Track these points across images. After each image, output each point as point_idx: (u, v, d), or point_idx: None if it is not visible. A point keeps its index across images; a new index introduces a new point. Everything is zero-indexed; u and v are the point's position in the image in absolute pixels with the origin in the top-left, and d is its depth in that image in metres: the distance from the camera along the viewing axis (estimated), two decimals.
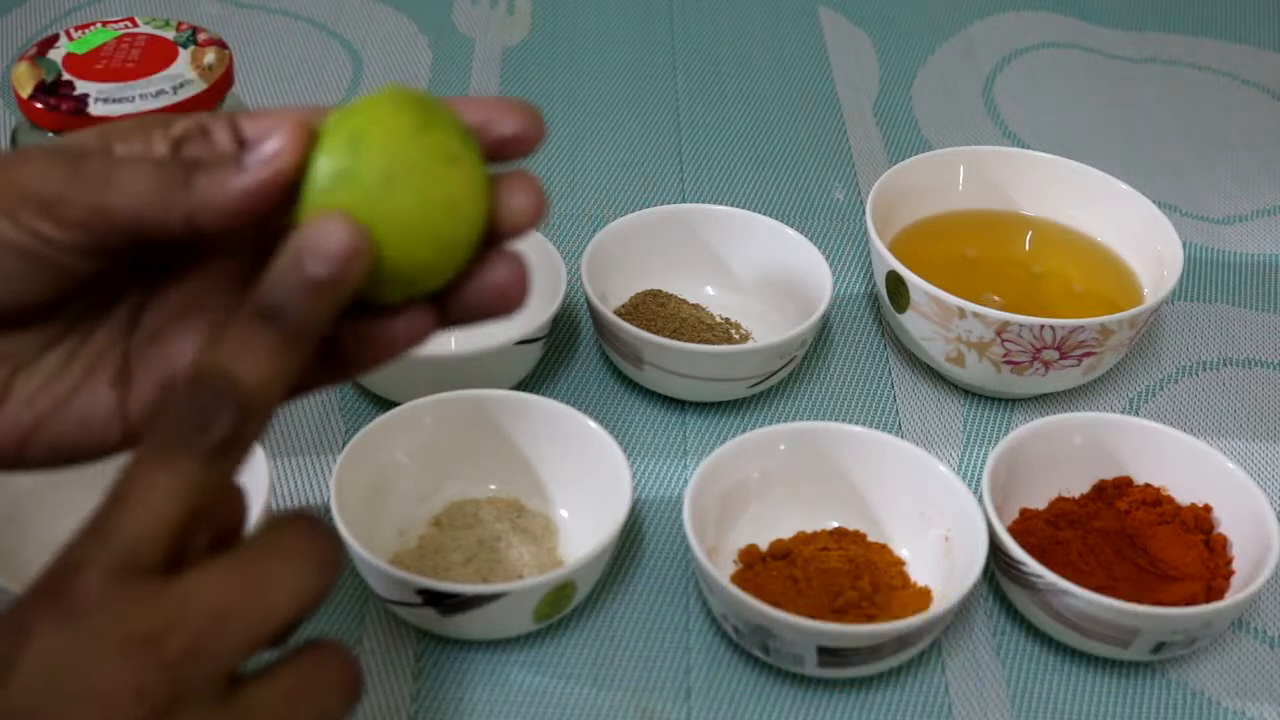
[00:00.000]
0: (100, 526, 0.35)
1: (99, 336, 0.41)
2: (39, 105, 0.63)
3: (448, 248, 0.38)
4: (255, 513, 0.57)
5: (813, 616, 0.57)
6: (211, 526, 0.37)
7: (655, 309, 0.73)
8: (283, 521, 0.37)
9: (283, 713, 0.35)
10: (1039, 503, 0.64)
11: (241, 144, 0.39)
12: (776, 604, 0.56)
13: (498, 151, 0.39)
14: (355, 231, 0.36)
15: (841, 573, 0.60)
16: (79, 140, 0.40)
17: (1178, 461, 0.64)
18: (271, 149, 0.37)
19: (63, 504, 0.59)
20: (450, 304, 0.39)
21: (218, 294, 0.42)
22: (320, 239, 0.35)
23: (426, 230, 0.37)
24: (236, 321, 0.36)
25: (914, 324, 0.71)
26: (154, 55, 0.66)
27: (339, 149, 0.37)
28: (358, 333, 0.40)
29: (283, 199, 0.37)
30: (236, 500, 0.38)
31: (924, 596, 0.60)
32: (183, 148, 0.39)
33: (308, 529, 0.37)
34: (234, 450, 0.35)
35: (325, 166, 0.37)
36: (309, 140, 0.37)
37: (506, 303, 0.40)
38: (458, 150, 0.37)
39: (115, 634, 0.33)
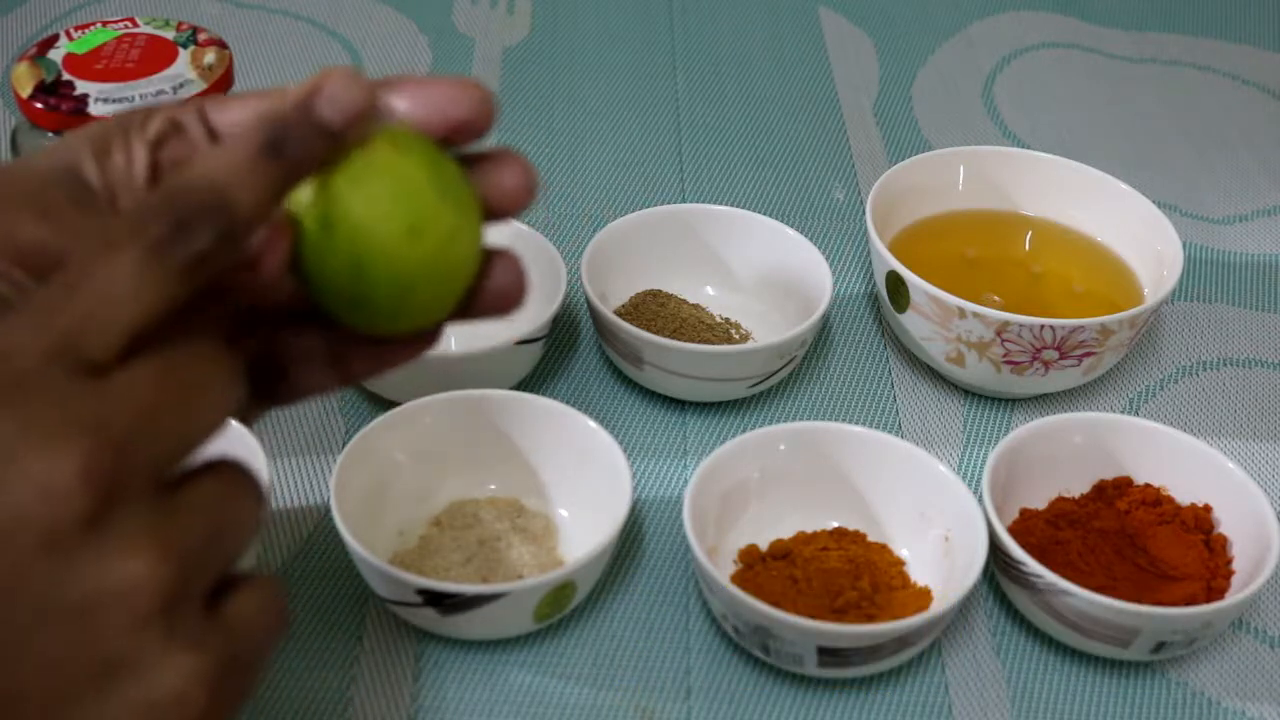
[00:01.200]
0: (47, 310, 0.33)
1: None
2: (39, 105, 0.63)
3: (449, 296, 0.39)
4: None
5: (813, 616, 0.57)
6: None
7: (655, 309, 0.73)
8: (195, 339, 0.35)
9: (212, 510, 0.35)
10: (1039, 503, 0.64)
11: (213, 135, 0.39)
12: (776, 604, 0.56)
13: (449, 139, 0.39)
14: (368, 92, 0.36)
15: (841, 573, 0.60)
16: (66, 158, 0.39)
17: (1178, 461, 0.64)
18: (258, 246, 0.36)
19: None
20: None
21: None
22: (338, 90, 0.35)
23: (437, 284, 0.38)
24: (235, 146, 0.35)
25: (914, 324, 0.71)
26: (154, 55, 0.66)
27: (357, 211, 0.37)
28: (360, 346, 0.40)
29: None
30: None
31: (924, 596, 0.60)
32: (162, 149, 0.39)
33: (215, 344, 0.36)
34: (204, 269, 0.34)
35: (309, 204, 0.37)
36: (288, 237, 0.37)
37: (506, 305, 0.40)
38: (467, 202, 0.38)
39: (55, 418, 0.31)
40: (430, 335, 0.41)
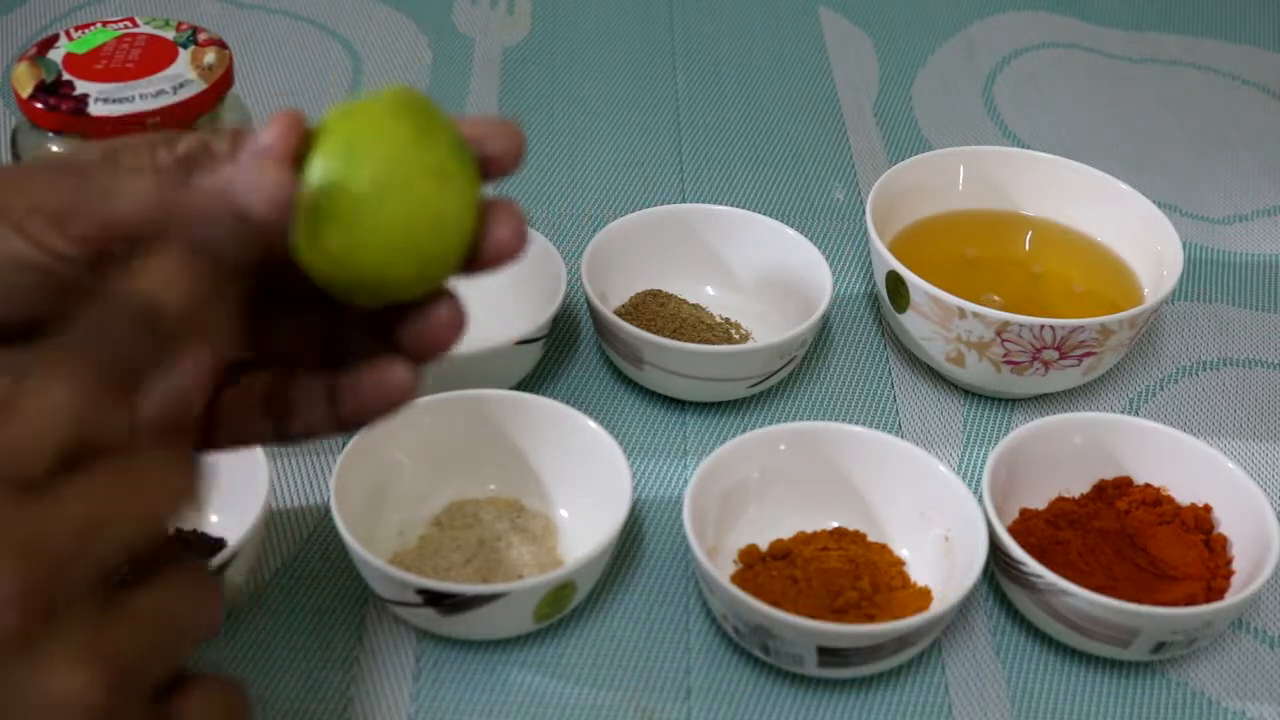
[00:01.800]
0: None
1: None
2: (39, 105, 0.63)
3: (431, 264, 0.38)
4: (256, 513, 0.57)
5: (813, 616, 0.57)
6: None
7: (655, 309, 0.73)
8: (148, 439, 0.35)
9: (160, 615, 0.34)
10: (1039, 503, 0.64)
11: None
12: (776, 604, 0.56)
13: (480, 169, 0.39)
14: (287, 175, 0.35)
15: (841, 573, 0.60)
16: (83, 154, 0.40)
17: (1178, 461, 0.64)
18: (263, 141, 0.37)
19: None
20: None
21: None
22: (253, 181, 0.35)
23: (410, 246, 0.37)
24: (158, 251, 0.35)
25: (914, 324, 0.71)
26: (154, 55, 0.66)
27: (332, 153, 0.37)
28: (351, 385, 0.40)
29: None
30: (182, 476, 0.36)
31: (924, 596, 0.60)
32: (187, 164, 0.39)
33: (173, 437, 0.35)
34: (145, 379, 0.34)
35: (317, 170, 0.36)
36: (301, 135, 0.37)
37: (507, 255, 0.39)
38: (453, 167, 0.37)
39: None
40: (416, 374, 0.40)
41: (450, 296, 0.39)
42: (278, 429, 0.42)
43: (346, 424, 0.41)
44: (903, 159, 0.79)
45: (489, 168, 0.39)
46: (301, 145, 0.37)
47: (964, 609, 0.62)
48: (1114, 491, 0.64)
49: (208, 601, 0.36)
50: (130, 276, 0.35)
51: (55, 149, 0.65)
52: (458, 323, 0.39)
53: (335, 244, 0.37)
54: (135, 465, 0.34)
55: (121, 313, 0.34)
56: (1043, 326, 0.67)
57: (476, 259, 0.39)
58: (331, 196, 0.36)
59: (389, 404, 0.40)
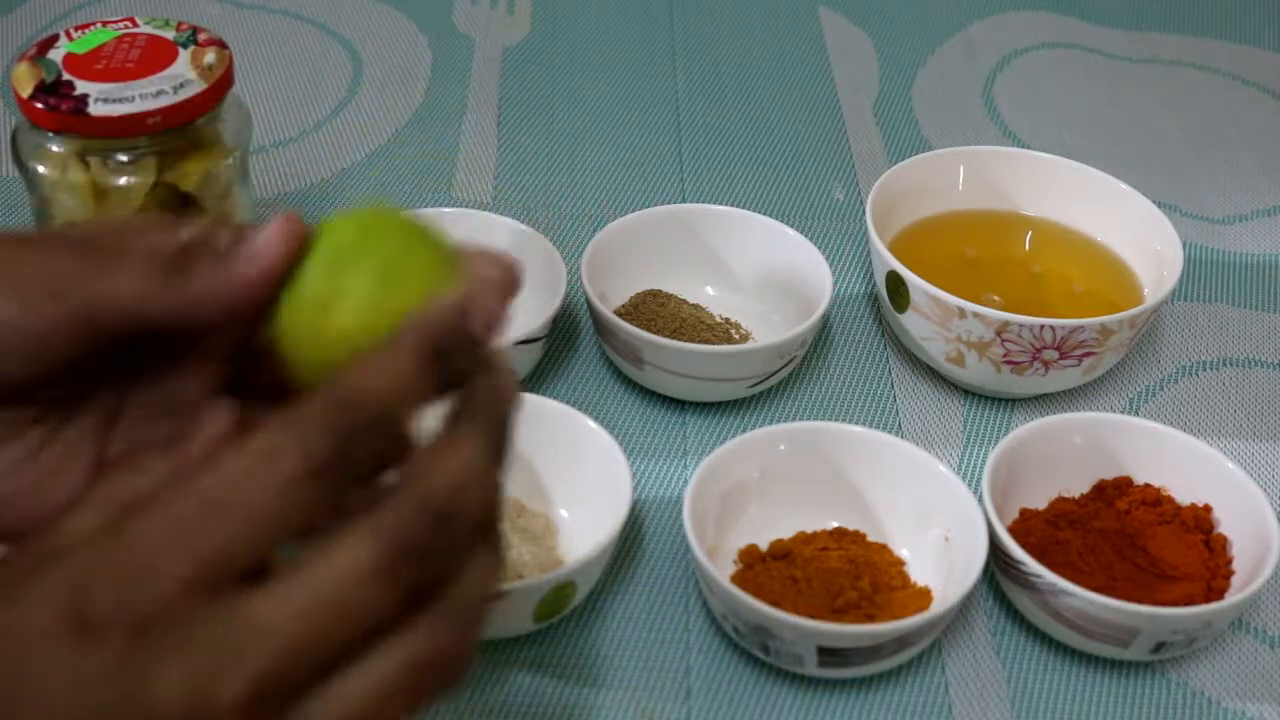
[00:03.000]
0: (187, 529, 0.32)
1: (74, 428, 0.41)
2: (39, 105, 0.63)
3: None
4: None
5: (813, 616, 0.57)
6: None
7: (655, 309, 0.73)
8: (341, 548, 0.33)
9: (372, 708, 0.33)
10: (1039, 503, 0.64)
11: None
12: (776, 604, 0.56)
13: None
14: (510, 298, 0.37)
15: (841, 573, 0.60)
16: (99, 232, 0.40)
17: (1178, 461, 0.64)
18: (262, 243, 0.38)
19: None
20: None
21: (189, 398, 0.42)
22: (490, 304, 0.37)
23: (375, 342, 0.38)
24: (400, 356, 0.35)
25: (914, 324, 0.71)
26: (154, 55, 0.66)
27: (319, 265, 0.39)
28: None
29: (274, 292, 0.39)
30: None
31: (924, 596, 0.60)
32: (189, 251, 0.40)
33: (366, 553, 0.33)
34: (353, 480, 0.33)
35: (306, 279, 0.38)
36: (299, 238, 0.39)
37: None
38: (432, 279, 0.38)
39: (179, 661, 0.31)
40: None
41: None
42: None
43: None
44: (903, 159, 0.79)
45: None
46: (299, 249, 0.39)
47: (964, 609, 0.62)
48: (1114, 491, 0.64)
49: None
50: (364, 371, 0.34)
51: (55, 148, 0.65)
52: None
53: (304, 349, 0.38)
54: (345, 588, 0.33)
55: (362, 414, 0.33)
56: (1043, 326, 0.67)
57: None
58: (311, 305, 0.38)
59: None
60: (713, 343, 0.71)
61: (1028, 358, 0.68)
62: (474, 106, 0.93)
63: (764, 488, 0.63)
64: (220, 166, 0.68)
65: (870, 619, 0.58)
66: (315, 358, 0.38)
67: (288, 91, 0.93)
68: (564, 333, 0.75)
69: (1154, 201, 0.77)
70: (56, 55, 0.66)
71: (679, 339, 0.70)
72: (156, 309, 0.38)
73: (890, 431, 0.68)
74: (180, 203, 0.67)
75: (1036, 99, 0.98)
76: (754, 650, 0.58)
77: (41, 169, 0.66)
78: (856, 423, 0.67)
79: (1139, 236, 0.76)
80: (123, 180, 0.65)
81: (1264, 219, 0.88)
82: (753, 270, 0.76)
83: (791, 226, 0.75)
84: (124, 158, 0.65)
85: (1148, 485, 0.65)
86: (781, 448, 0.63)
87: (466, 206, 0.82)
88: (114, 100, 0.63)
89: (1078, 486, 0.65)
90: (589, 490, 0.62)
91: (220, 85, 0.66)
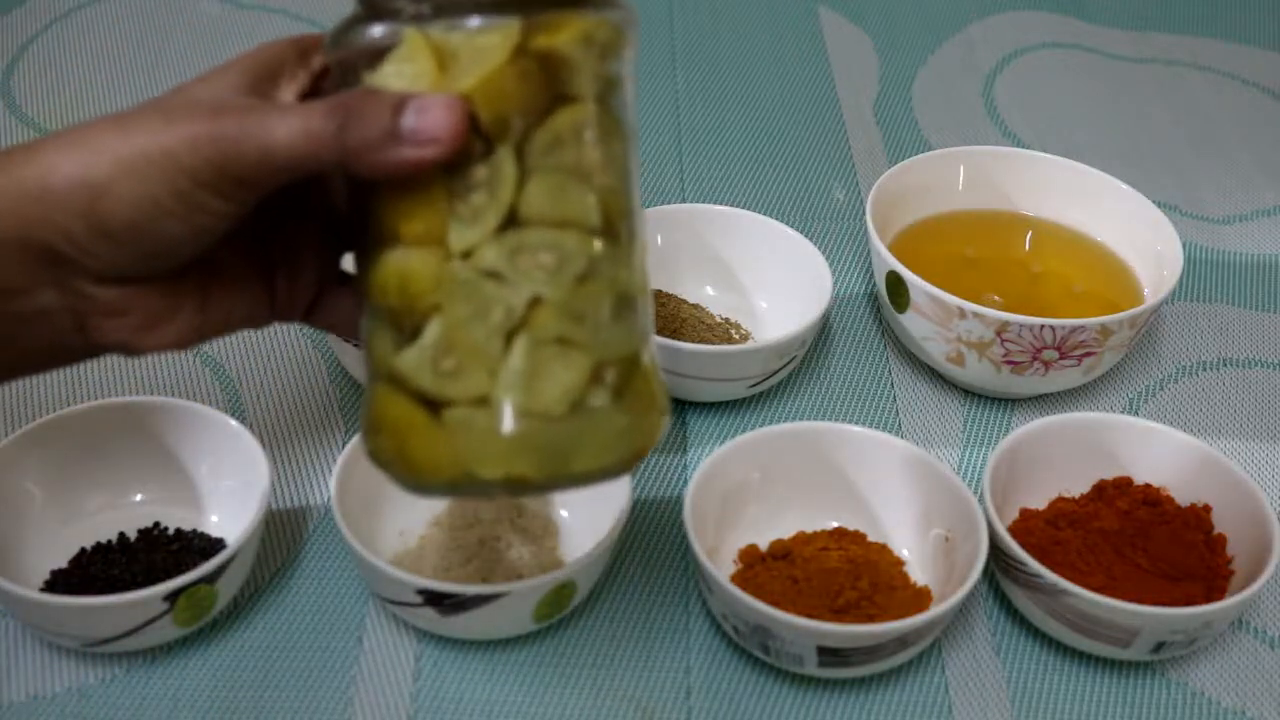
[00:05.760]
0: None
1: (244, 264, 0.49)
2: None
3: None
4: (256, 513, 0.57)
5: (813, 616, 0.57)
6: None
7: (655, 309, 0.73)
8: None
9: None
10: (1039, 503, 0.64)
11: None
12: (776, 604, 0.56)
13: None
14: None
15: (841, 573, 0.60)
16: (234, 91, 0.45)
17: (1178, 461, 0.64)
18: (433, 127, 0.42)
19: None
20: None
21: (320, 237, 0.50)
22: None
23: None
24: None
25: (914, 324, 0.71)
26: None
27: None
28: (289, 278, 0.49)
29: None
30: None
31: (924, 596, 0.60)
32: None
33: None
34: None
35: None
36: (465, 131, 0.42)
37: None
38: None
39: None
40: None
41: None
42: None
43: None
44: (903, 159, 0.79)
45: None
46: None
47: (964, 609, 0.62)
48: (1114, 491, 0.64)
49: None
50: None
51: None
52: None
53: None
54: None
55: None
56: (1043, 326, 0.67)
57: None
58: None
59: None
60: (713, 343, 0.71)
61: (1028, 358, 0.68)
62: None
63: (764, 488, 0.63)
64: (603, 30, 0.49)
65: (870, 619, 0.58)
66: None
67: None
68: None
69: (1154, 201, 0.77)
70: None
71: (679, 339, 0.70)
72: (328, 154, 0.42)
73: (890, 431, 0.68)
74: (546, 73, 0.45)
75: (1036, 99, 0.98)
76: (754, 650, 0.58)
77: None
78: (856, 423, 0.67)
79: (1139, 236, 0.76)
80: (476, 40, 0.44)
81: (1264, 219, 0.88)
82: (753, 270, 0.76)
83: (791, 226, 0.75)
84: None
85: (1148, 485, 0.65)
86: (781, 448, 0.63)
87: None
88: None
89: (1078, 486, 0.65)
90: (589, 490, 0.62)
91: None
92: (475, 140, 0.42)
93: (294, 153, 0.42)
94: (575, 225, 0.44)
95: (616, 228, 0.45)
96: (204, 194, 0.43)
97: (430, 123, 0.41)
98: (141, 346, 0.46)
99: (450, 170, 0.43)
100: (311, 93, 0.46)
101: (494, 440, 0.43)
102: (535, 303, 0.43)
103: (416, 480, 0.45)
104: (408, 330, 0.44)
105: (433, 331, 0.43)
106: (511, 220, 0.43)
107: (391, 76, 0.43)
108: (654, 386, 0.47)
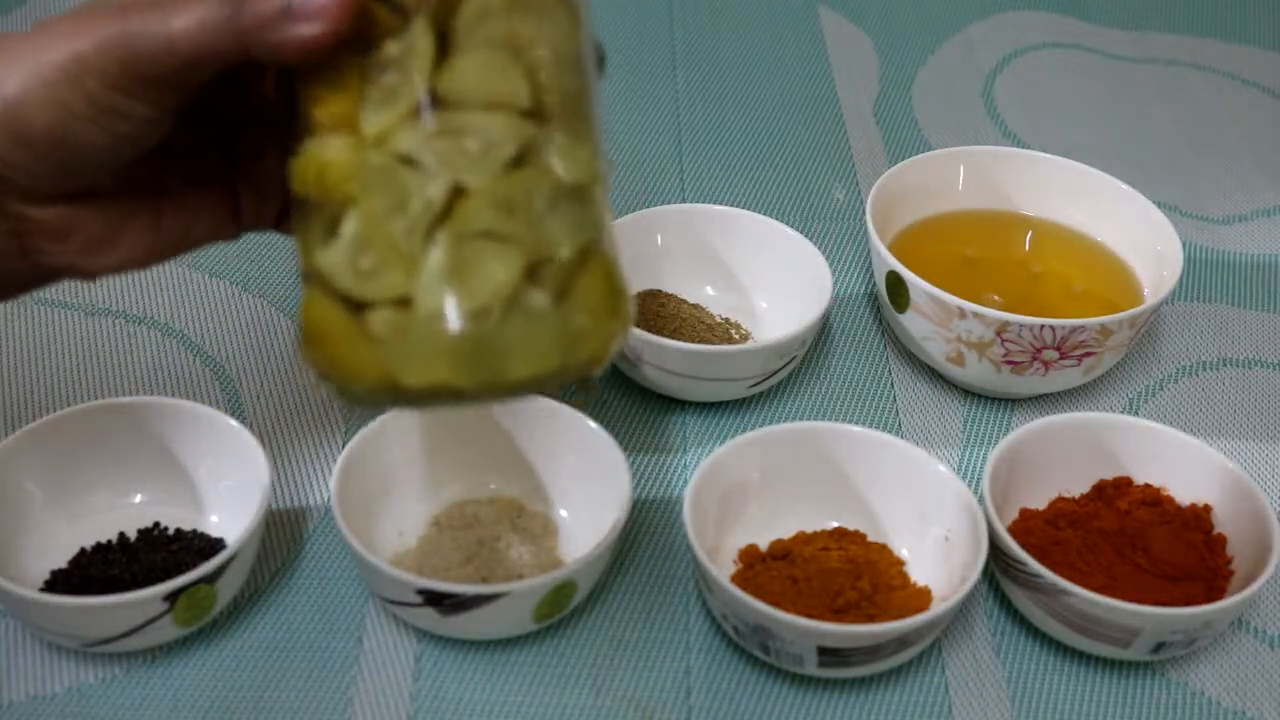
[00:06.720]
0: None
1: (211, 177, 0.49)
2: None
3: None
4: (256, 513, 0.57)
5: (813, 616, 0.57)
6: None
7: (655, 309, 0.73)
8: None
9: None
10: (1039, 503, 0.64)
11: None
12: (776, 604, 0.56)
13: None
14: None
15: (841, 573, 0.60)
16: None
17: (1178, 461, 0.64)
18: (319, 2, 0.40)
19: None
20: None
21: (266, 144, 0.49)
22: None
23: None
24: None
25: (914, 324, 0.71)
26: None
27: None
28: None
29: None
30: None
31: (924, 596, 0.60)
32: None
33: None
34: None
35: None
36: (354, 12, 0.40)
37: None
38: None
39: None
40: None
41: None
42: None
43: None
44: (903, 159, 0.79)
45: None
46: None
47: (964, 609, 0.62)
48: (1114, 491, 0.64)
49: None
50: None
51: None
52: None
53: None
54: None
55: None
56: (1043, 326, 0.67)
57: None
58: None
59: None
60: (713, 343, 0.71)
61: (1028, 358, 0.68)
62: None
63: (764, 488, 0.63)
64: None
65: (870, 619, 0.58)
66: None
67: None
68: None
69: (1154, 201, 0.77)
70: None
71: (679, 339, 0.70)
72: (226, 41, 0.41)
73: (890, 431, 0.68)
74: None
75: (1036, 99, 0.98)
76: (754, 650, 0.58)
77: None
78: (856, 423, 0.67)
79: (1139, 236, 0.76)
80: None
81: (1264, 219, 0.88)
82: (753, 270, 0.76)
83: (791, 226, 0.75)
84: None
85: (1148, 485, 0.65)
86: (781, 448, 0.63)
87: None
88: None
89: (1078, 486, 0.65)
90: (589, 490, 0.62)
91: None
92: (387, 13, 0.39)
93: (193, 44, 0.41)
94: (504, 106, 0.40)
95: (556, 108, 0.41)
96: (116, 96, 0.42)
97: None
98: (90, 269, 0.46)
99: (362, 48, 0.39)
100: None
101: (416, 345, 0.39)
102: (458, 193, 0.39)
103: (346, 388, 0.42)
104: (328, 224, 0.41)
105: (350, 226, 0.40)
106: (432, 102, 0.39)
107: None
108: (609, 287, 0.42)
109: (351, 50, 0.40)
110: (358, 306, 0.40)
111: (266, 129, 0.48)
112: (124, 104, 0.42)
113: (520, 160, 0.40)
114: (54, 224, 0.44)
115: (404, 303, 0.40)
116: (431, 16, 0.39)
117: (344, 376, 0.41)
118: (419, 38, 0.39)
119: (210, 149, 0.48)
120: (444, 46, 0.39)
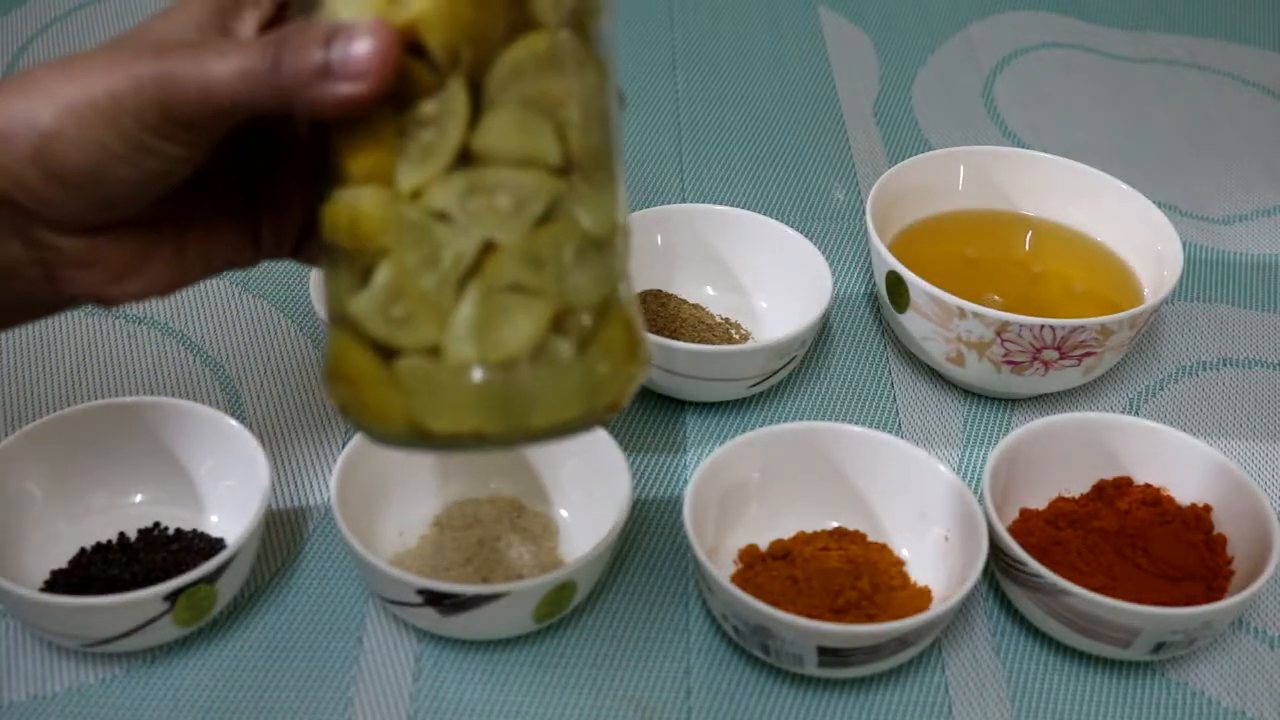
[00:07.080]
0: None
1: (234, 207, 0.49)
2: None
3: None
4: (256, 513, 0.57)
5: (813, 616, 0.57)
6: None
7: (655, 309, 0.73)
8: None
9: None
10: (1039, 503, 0.64)
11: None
12: (776, 604, 0.56)
13: None
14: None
15: (841, 573, 0.60)
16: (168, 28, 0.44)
17: (1178, 461, 0.64)
18: (364, 60, 0.40)
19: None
20: None
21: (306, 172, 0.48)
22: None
23: None
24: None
25: (914, 324, 0.71)
26: None
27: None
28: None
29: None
30: None
31: (924, 596, 0.60)
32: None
33: None
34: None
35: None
36: (396, 67, 0.40)
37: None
38: None
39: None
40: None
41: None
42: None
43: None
44: (903, 159, 0.79)
45: None
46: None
47: (964, 609, 0.62)
48: (1114, 491, 0.64)
49: None
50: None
51: None
52: None
53: None
54: None
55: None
56: (1043, 326, 0.67)
57: None
58: None
59: None
60: (713, 343, 0.71)
61: (1028, 358, 0.68)
62: None
63: (764, 488, 0.63)
64: None
65: (870, 619, 0.58)
66: None
67: None
68: None
69: (1154, 201, 0.77)
70: None
71: (679, 339, 0.70)
72: (265, 93, 0.41)
73: (890, 431, 0.68)
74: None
75: (1036, 99, 0.98)
76: (754, 650, 0.58)
77: None
78: (856, 422, 0.67)
79: (1139, 236, 0.76)
80: None
81: (1264, 219, 0.88)
82: (753, 270, 0.76)
83: (791, 226, 0.75)
84: None
85: (1148, 485, 0.65)
86: (781, 448, 0.63)
87: None
88: None
89: (1078, 486, 0.65)
90: (589, 490, 0.62)
91: None
92: (425, 72, 0.40)
93: (232, 94, 0.41)
94: (534, 163, 0.41)
95: (584, 165, 0.42)
96: (151, 138, 0.42)
97: (356, 54, 0.39)
98: (114, 296, 0.46)
99: (399, 104, 0.40)
100: (275, 22, 0.45)
101: (445, 393, 0.41)
102: (489, 248, 0.41)
103: (371, 431, 0.43)
104: (360, 272, 0.42)
105: (382, 276, 0.41)
106: (465, 158, 0.40)
107: (340, 1, 0.40)
108: (628, 335, 0.44)
109: (388, 105, 0.40)
110: (387, 353, 0.42)
111: (294, 164, 0.48)
112: (158, 144, 0.42)
113: (548, 215, 0.41)
114: (81, 254, 0.45)
115: (434, 352, 0.41)
116: (467, 75, 0.40)
117: (370, 419, 0.43)
118: (455, 97, 0.40)
119: (237, 180, 0.48)
120: (476, 103, 0.40)
